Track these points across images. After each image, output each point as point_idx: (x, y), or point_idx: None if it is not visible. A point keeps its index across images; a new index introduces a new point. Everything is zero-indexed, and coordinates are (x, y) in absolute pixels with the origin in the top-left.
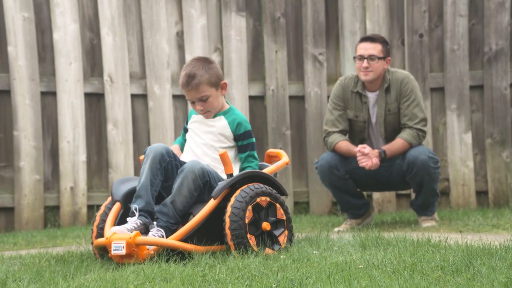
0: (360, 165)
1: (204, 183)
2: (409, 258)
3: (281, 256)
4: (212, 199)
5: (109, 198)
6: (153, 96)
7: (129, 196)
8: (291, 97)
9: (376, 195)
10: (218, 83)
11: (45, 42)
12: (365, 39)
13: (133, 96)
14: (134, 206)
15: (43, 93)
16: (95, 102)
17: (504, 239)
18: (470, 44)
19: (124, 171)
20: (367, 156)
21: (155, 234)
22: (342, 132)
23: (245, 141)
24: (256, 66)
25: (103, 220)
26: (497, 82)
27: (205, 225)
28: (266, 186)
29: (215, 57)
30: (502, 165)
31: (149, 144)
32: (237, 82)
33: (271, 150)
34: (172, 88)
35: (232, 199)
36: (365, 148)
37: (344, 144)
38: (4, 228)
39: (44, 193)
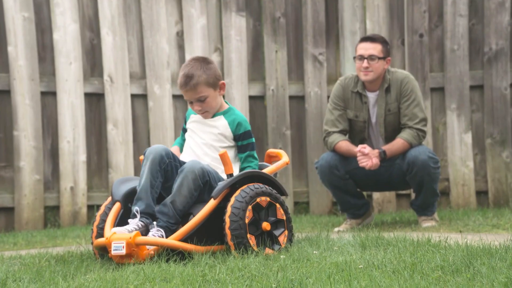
0: (360, 165)
1: (204, 183)
2: (409, 258)
3: (281, 256)
4: (212, 199)
5: (109, 198)
6: (153, 96)
7: (129, 196)
8: (291, 97)
9: (376, 195)
10: (216, 84)
11: (45, 42)
12: (365, 39)
13: (133, 96)
14: (135, 208)
15: (43, 93)
16: (95, 102)
17: (504, 239)
18: (470, 44)
19: (124, 171)
20: (367, 156)
21: (155, 234)
22: (342, 132)
23: (245, 141)
24: (256, 66)
25: (103, 220)
26: (497, 82)
27: (205, 225)
28: (266, 186)
29: (215, 57)
30: (502, 165)
31: (149, 144)
32: (237, 82)
33: (271, 150)
34: (172, 88)
35: (232, 199)
36: (365, 148)
37: (344, 144)
38: (4, 228)
39: (44, 193)
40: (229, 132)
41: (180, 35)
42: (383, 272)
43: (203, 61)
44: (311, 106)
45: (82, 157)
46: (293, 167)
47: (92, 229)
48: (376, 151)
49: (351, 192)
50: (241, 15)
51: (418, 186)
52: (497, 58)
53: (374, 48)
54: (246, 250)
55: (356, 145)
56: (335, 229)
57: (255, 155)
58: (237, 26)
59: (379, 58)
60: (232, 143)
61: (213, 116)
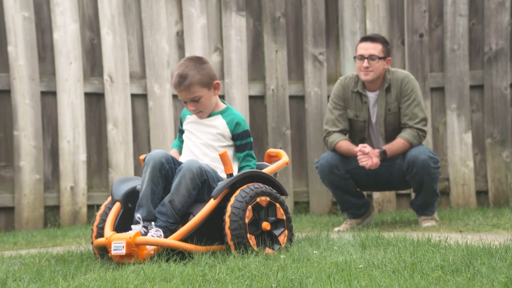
0: (361, 164)
1: (203, 182)
2: (409, 258)
3: (281, 256)
4: (212, 199)
5: (109, 198)
6: (153, 96)
7: (129, 196)
8: (291, 97)
9: (376, 195)
10: (210, 84)
11: (45, 42)
12: (366, 39)
13: (133, 95)
14: (137, 215)
15: (43, 93)
16: (95, 101)
17: (504, 239)
18: (470, 44)
19: (124, 170)
20: (368, 156)
21: (154, 235)
22: (342, 131)
23: (243, 141)
24: (256, 66)
25: (103, 220)
26: (497, 82)
27: (205, 225)
28: (266, 186)
29: (215, 57)
30: (502, 165)
31: (149, 143)
32: (237, 81)
33: (271, 150)
34: (172, 88)
35: (232, 199)
36: (365, 147)
37: (344, 143)
38: (4, 228)
39: (44, 192)
40: (227, 132)
41: (180, 34)
42: (383, 271)
43: (198, 61)
44: (311, 106)
45: (82, 156)
46: (293, 167)
47: (92, 229)
48: (377, 150)
49: (351, 191)
50: (241, 15)
51: (418, 186)
52: (497, 58)
53: (374, 48)
54: (246, 250)
55: (356, 144)
56: (335, 228)
57: (253, 154)
58: (237, 25)
59: (380, 58)
60: (230, 143)
61: (210, 115)
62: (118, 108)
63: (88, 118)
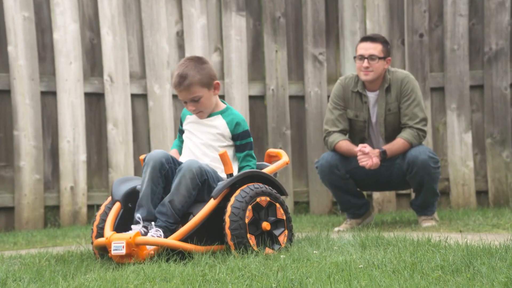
0: (361, 164)
1: (202, 181)
2: (409, 258)
3: (281, 256)
4: (212, 199)
5: (109, 198)
6: (153, 96)
7: (129, 196)
8: (291, 97)
9: (376, 195)
10: (210, 84)
11: (45, 42)
12: (366, 39)
13: (133, 95)
14: (137, 216)
15: (43, 93)
16: (95, 101)
17: (504, 239)
18: (470, 44)
19: (124, 170)
20: (368, 155)
21: (154, 235)
22: (342, 131)
23: (243, 141)
24: (256, 66)
25: (103, 220)
26: (497, 82)
27: (205, 225)
28: (266, 186)
29: (215, 57)
30: (502, 165)
31: (149, 143)
32: (237, 81)
33: (271, 150)
34: (172, 88)
35: (232, 199)
36: (365, 147)
37: (344, 143)
38: (4, 228)
39: (44, 192)
40: (227, 132)
41: (180, 34)
42: (383, 271)
43: (198, 61)
44: (311, 106)
45: (82, 156)
46: (293, 167)
47: (92, 229)
48: (377, 150)
49: (351, 191)
50: (241, 14)
51: (418, 186)
52: (497, 58)
53: (374, 48)
54: (246, 250)
55: (356, 145)
56: (335, 228)
57: (253, 154)
58: (237, 26)
59: (380, 58)
60: (230, 142)
61: (210, 115)
62: (118, 108)
63: (88, 118)
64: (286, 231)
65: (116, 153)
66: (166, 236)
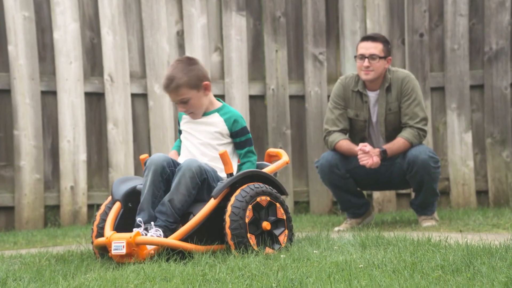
0: (361, 163)
1: (202, 181)
2: (409, 257)
3: (281, 256)
4: (212, 199)
5: (109, 198)
6: (153, 96)
7: (129, 196)
8: (291, 97)
9: (376, 195)
10: (199, 85)
11: (45, 41)
12: (366, 38)
13: (133, 95)
14: (138, 219)
15: (43, 93)
16: (95, 101)
17: (504, 239)
18: (470, 43)
19: (124, 170)
20: (368, 155)
21: (153, 234)
22: (343, 131)
23: (243, 138)
24: (256, 66)
25: (103, 220)
26: (498, 81)
27: (205, 225)
28: (266, 186)
29: (215, 57)
30: (502, 165)
31: (149, 143)
32: (237, 81)
33: (271, 150)
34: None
35: (232, 199)
36: (366, 146)
37: (344, 143)
38: (4, 227)
39: (44, 192)
40: (225, 130)
41: (180, 34)
42: (383, 271)
43: (187, 62)
44: (311, 106)
45: (82, 156)
46: (293, 166)
47: (92, 229)
48: (377, 149)
49: (352, 191)
50: (242, 14)
51: (418, 185)
52: (497, 58)
53: (375, 48)
54: (246, 249)
55: (357, 144)
56: (335, 228)
57: (253, 150)
58: (237, 25)
59: (380, 58)
60: (229, 140)
61: (207, 114)
62: (118, 108)
63: (88, 117)
64: (286, 231)
65: (116, 153)
66: (166, 236)
